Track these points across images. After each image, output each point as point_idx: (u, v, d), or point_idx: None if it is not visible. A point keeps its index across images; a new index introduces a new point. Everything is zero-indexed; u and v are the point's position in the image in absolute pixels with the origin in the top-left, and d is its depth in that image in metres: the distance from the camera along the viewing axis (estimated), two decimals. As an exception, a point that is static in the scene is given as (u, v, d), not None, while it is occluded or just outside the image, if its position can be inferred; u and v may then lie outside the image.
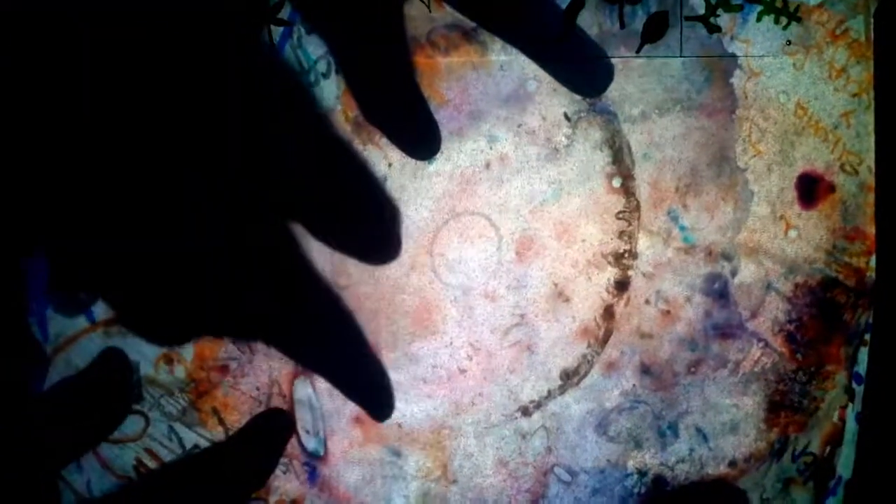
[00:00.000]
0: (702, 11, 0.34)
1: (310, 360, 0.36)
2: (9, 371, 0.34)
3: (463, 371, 0.36)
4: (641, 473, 0.37)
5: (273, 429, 0.36)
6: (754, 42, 0.34)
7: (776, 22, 0.34)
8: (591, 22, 0.34)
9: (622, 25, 0.34)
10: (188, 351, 0.35)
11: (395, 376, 0.36)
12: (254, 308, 0.34)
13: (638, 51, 0.34)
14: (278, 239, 0.34)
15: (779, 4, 0.34)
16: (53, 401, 0.34)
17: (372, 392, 0.36)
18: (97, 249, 0.32)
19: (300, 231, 0.34)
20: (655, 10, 0.34)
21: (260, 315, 0.34)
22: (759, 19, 0.34)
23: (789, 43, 0.34)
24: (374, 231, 0.35)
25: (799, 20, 0.34)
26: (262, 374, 0.36)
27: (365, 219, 0.35)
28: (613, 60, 0.34)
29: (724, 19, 0.34)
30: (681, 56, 0.34)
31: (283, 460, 0.36)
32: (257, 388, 0.36)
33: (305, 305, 0.35)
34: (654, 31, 0.34)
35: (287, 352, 0.35)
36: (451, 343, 0.36)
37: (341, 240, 0.34)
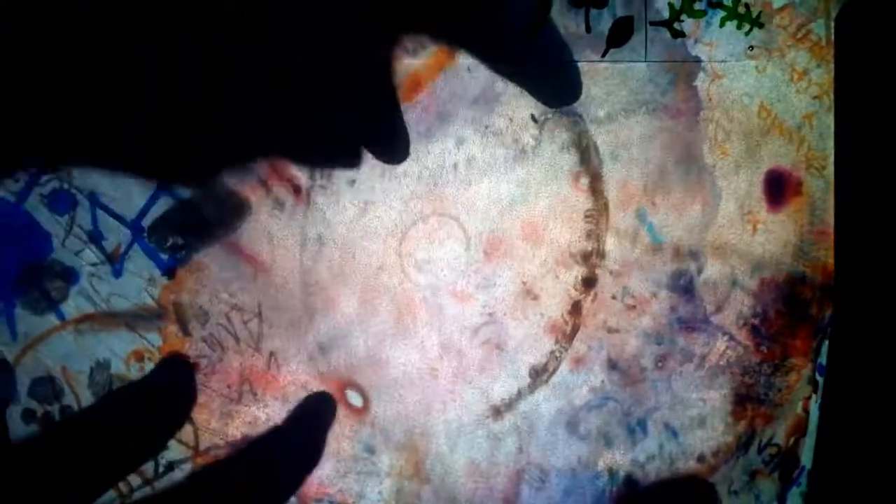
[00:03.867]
0: (667, 16, 0.34)
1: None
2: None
3: (434, 371, 0.36)
4: (612, 471, 0.38)
5: (320, 412, 0.36)
6: (717, 46, 0.35)
7: (739, 27, 0.35)
8: (557, 25, 0.34)
9: (588, 29, 0.34)
10: (157, 348, 0.35)
11: (367, 378, 0.36)
12: None
13: (604, 54, 0.34)
14: None
15: (741, 10, 0.34)
16: (106, 409, 0.34)
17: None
18: None
19: None
20: (621, 15, 0.34)
21: None
22: (722, 24, 0.34)
23: (752, 48, 0.35)
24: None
25: (761, 26, 0.35)
26: (232, 373, 0.36)
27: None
28: (579, 63, 0.34)
29: (688, 24, 0.34)
30: (646, 60, 0.35)
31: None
32: (228, 387, 0.36)
33: None
34: (619, 35, 0.34)
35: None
36: (422, 343, 0.36)
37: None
